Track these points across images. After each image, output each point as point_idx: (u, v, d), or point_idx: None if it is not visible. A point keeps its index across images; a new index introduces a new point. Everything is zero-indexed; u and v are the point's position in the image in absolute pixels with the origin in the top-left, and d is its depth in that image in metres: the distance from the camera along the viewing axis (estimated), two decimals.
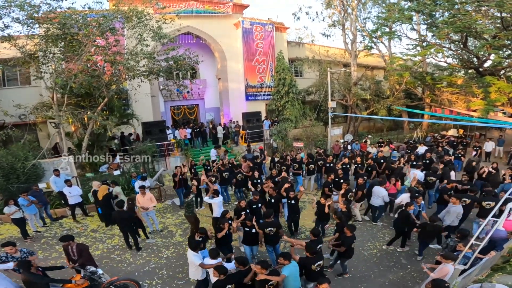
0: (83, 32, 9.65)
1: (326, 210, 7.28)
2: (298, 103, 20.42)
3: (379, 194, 8.27)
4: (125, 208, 7.66)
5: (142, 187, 8.45)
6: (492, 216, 4.96)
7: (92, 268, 5.63)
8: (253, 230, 6.37)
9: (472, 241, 4.61)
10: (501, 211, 5.35)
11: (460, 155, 13.16)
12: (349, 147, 16.02)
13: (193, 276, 5.63)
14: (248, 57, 19.64)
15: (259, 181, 9.60)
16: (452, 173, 10.18)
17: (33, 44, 10.14)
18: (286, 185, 7.92)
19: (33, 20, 9.51)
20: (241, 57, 19.56)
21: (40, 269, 5.44)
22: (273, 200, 7.94)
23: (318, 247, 5.57)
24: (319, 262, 5.05)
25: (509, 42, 15.57)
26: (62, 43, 10.21)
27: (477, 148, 14.22)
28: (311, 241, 5.55)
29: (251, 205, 7.63)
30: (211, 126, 18.03)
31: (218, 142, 16.89)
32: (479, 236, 4.89)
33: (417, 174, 9.35)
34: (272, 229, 6.24)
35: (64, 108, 10.36)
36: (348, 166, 11.45)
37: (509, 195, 5.18)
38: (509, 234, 5.47)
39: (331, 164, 11.35)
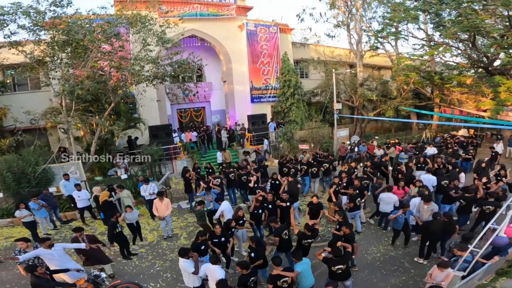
0: (88, 38, 9.80)
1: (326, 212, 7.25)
2: (303, 105, 20.35)
3: (389, 201, 8.00)
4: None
5: (160, 193, 8.56)
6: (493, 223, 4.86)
7: (96, 272, 5.77)
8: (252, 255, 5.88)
9: (471, 248, 4.54)
10: None
11: (470, 155, 12.90)
12: (355, 149, 15.90)
13: (188, 284, 5.48)
14: (253, 59, 19.70)
15: (256, 185, 9.60)
16: (462, 175, 9.98)
17: (40, 51, 10.38)
18: (284, 196, 7.87)
19: (38, 27, 9.71)
20: (246, 59, 19.64)
21: (47, 272, 5.56)
22: (270, 206, 7.82)
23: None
24: (339, 266, 5.16)
25: None
26: (69, 49, 10.41)
27: (494, 154, 12.90)
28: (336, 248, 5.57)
29: (252, 211, 7.66)
30: (217, 129, 18.16)
31: (223, 146, 17.00)
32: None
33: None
34: (287, 232, 6.33)
35: (72, 113, 10.58)
36: (355, 170, 11.24)
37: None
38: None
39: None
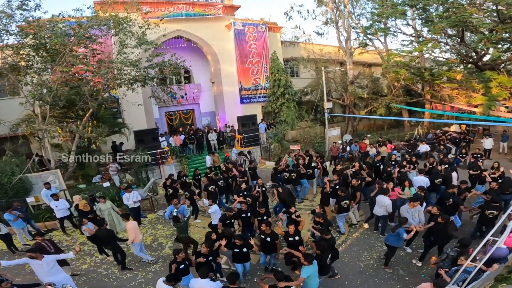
0: (55, 41, 9.21)
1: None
2: (294, 105, 20.03)
3: (382, 203, 7.63)
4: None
5: (125, 216, 7.50)
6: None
7: (69, 287, 5.59)
8: (244, 250, 6.01)
9: (467, 262, 4.21)
10: None
11: (463, 154, 12.64)
12: (347, 148, 15.62)
13: None
14: (242, 59, 19.32)
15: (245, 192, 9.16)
16: (454, 175, 9.68)
17: (7, 55, 9.83)
18: (261, 210, 7.53)
19: (3, 32, 9.19)
20: (234, 59, 19.25)
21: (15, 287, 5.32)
22: (243, 215, 7.56)
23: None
24: (329, 256, 5.71)
25: (507, 35, 15.11)
26: (38, 53, 9.87)
27: (478, 155, 11.97)
28: (320, 240, 5.96)
29: (239, 214, 7.46)
30: (206, 131, 17.73)
31: (212, 149, 16.59)
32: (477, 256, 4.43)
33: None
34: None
35: (47, 120, 10.03)
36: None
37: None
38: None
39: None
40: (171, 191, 9.97)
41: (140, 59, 11.83)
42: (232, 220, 7.38)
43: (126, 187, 9.79)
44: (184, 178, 10.83)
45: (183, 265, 5.57)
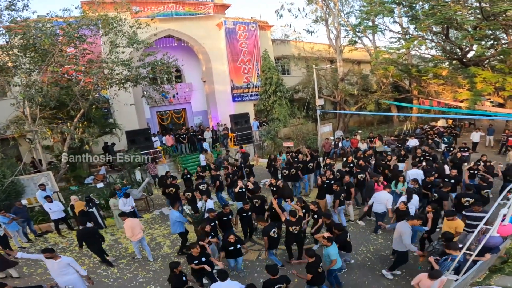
0: (45, 41, 8.99)
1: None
2: (286, 102, 20.18)
3: (382, 200, 7.60)
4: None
5: (122, 214, 7.59)
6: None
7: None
8: (238, 246, 6.20)
9: (463, 250, 4.40)
10: None
11: (450, 148, 13.02)
12: (340, 144, 15.87)
13: None
14: (233, 58, 19.29)
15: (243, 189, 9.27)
16: (446, 167, 9.94)
17: None
18: (245, 207, 7.65)
19: None
20: (226, 58, 19.19)
21: None
22: (225, 218, 7.52)
23: None
24: (348, 235, 6.08)
25: (490, 32, 15.59)
26: (28, 53, 9.65)
27: (466, 149, 12.34)
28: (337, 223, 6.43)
29: (241, 213, 7.60)
30: (201, 130, 17.67)
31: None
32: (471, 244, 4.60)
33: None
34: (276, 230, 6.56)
35: (37, 122, 9.84)
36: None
37: (501, 199, 5.01)
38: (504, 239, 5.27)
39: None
40: (174, 189, 9.98)
41: (131, 58, 11.72)
42: (230, 217, 7.49)
43: (124, 195, 9.47)
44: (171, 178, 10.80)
45: (184, 277, 5.48)
